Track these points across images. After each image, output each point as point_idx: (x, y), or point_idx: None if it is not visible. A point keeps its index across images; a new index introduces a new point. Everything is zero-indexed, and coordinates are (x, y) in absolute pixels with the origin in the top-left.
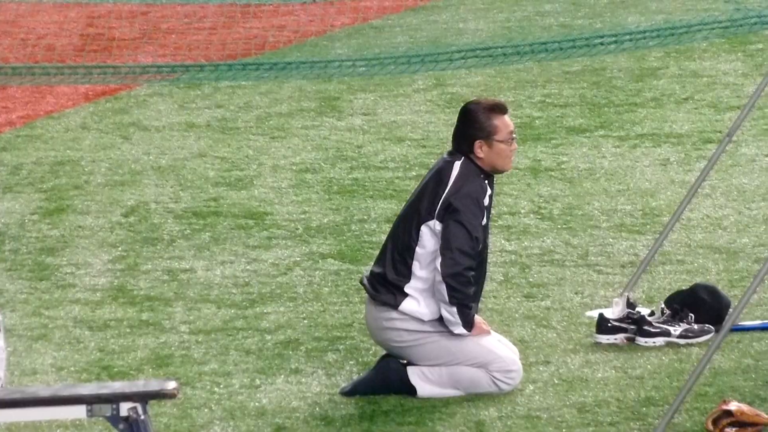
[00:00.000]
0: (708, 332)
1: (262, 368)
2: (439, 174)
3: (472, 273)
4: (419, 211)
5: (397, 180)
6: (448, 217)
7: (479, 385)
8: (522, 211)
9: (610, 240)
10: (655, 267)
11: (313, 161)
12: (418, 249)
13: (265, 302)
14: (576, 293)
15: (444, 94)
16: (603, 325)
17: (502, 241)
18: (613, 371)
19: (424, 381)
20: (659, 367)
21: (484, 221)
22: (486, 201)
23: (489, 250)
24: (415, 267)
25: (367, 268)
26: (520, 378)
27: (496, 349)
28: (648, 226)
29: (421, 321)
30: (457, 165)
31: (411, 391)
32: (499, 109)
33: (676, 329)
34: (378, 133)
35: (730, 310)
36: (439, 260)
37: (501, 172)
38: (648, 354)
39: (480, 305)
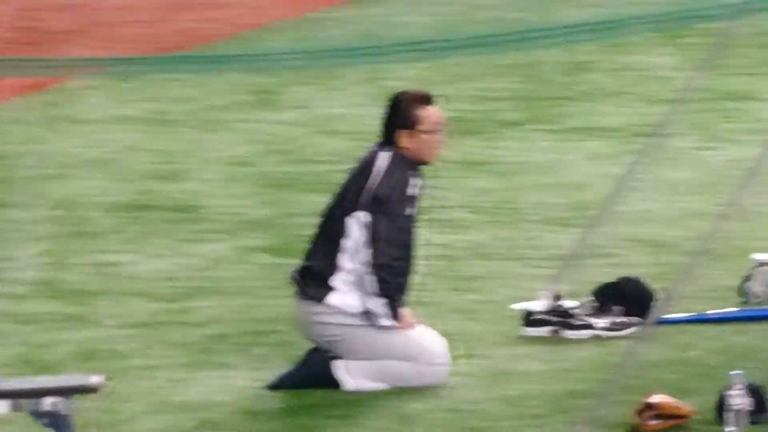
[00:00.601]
0: (634, 325)
1: (189, 362)
2: (366, 165)
3: (400, 264)
4: (347, 203)
5: (330, 173)
6: (376, 209)
7: (406, 379)
8: (452, 204)
9: (539, 233)
10: (582, 260)
11: (247, 154)
12: (345, 241)
13: (194, 296)
14: (504, 286)
15: (378, 88)
16: (530, 318)
17: (431, 234)
18: (540, 364)
19: (350, 375)
20: (585, 360)
21: (411, 212)
22: (413, 191)
23: (417, 243)
24: (343, 259)
25: (298, 263)
26: (446, 371)
27: (423, 342)
28: (577, 220)
29: (349, 314)
30: (384, 155)
31: (337, 384)
32: (425, 99)
33: (603, 322)
34: (312, 126)
35: (656, 302)
36: (366, 252)
37: (427, 163)
38: (574, 347)
39: (407, 298)
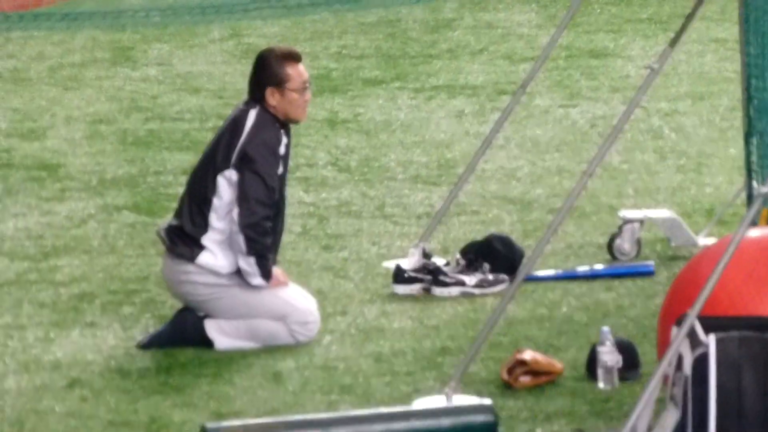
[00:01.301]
0: (502, 282)
1: (57, 321)
2: (235, 123)
3: (270, 223)
4: (215, 161)
5: (193, 131)
6: (244, 167)
7: (277, 337)
8: (319, 162)
9: (407, 191)
10: (450, 218)
11: (108, 112)
12: (215, 200)
13: (60, 255)
14: (373, 244)
15: (240, 45)
16: (399, 276)
17: (300, 193)
18: (410, 321)
19: (221, 334)
20: (454, 317)
21: (281, 170)
22: (282, 150)
23: (287, 202)
24: (213, 218)
25: (163, 221)
26: (317, 329)
27: (293, 301)
28: (443, 178)
29: (219, 274)
30: (253, 113)
31: (208, 344)
32: (293, 57)
33: (472, 279)
34: (173, 83)
35: (524, 260)
36: (236, 211)
37: (295, 121)
38: (443, 304)
39: (278, 257)
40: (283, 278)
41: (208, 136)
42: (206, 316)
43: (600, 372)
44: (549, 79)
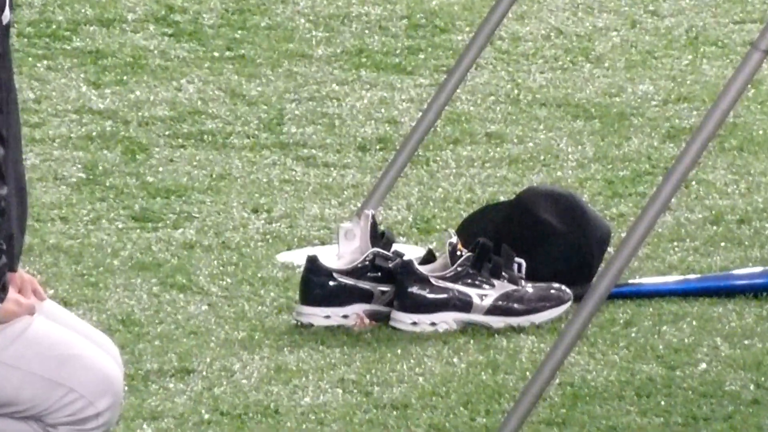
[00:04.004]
0: (559, 300)
1: None
2: None
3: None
4: None
5: None
6: None
7: None
8: None
9: None
10: (428, 157)
11: None
12: None
13: None
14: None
15: None
16: (316, 286)
17: None
18: (339, 393)
19: None
20: (444, 379)
21: None
22: None
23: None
24: None
25: None
26: (113, 420)
27: (69, 363)
28: None
29: None
30: None
31: None
32: None
33: (486, 292)
34: None
35: (609, 250)
36: None
37: None
38: (416, 346)
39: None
40: (30, 301)
41: None
42: None
43: None
44: None
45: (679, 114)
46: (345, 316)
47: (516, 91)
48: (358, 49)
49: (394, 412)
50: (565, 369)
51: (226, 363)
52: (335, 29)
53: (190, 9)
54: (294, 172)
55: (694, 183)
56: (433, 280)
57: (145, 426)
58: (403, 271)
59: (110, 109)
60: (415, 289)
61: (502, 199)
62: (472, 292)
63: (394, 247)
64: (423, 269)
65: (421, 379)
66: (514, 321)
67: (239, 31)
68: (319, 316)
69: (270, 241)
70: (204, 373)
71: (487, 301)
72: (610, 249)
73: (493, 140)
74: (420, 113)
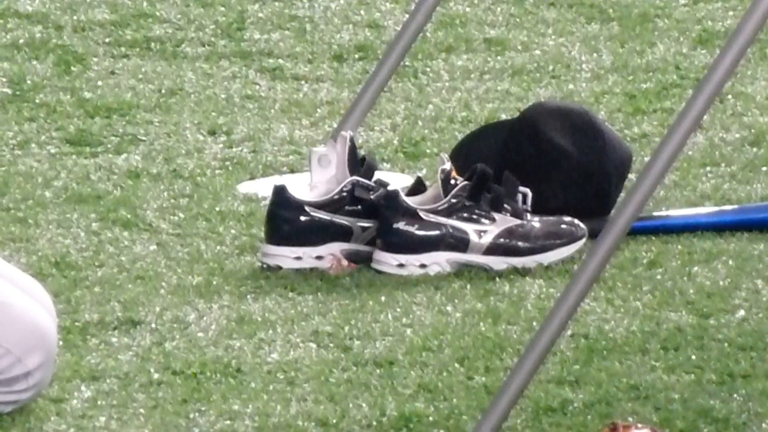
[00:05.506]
0: (572, 237)
1: None
2: None
3: None
4: None
5: None
6: None
7: None
8: None
9: None
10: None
11: None
12: None
13: None
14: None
15: None
16: (286, 223)
17: None
18: (312, 347)
19: None
20: (435, 330)
21: None
22: None
23: None
24: None
25: None
26: (43, 385)
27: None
28: None
29: None
30: None
31: None
32: None
33: (486, 227)
34: None
35: (629, 177)
36: None
37: None
38: (403, 292)
39: None
40: None
41: None
42: None
43: None
44: None
45: (713, 15)
46: (319, 257)
47: None
48: None
49: (378, 370)
50: (578, 318)
51: (179, 313)
52: None
53: None
54: (258, 87)
55: (730, 96)
56: (422, 214)
57: (83, 387)
58: (388, 204)
59: (40, 12)
60: (401, 225)
61: (503, 117)
62: (469, 228)
63: (377, 175)
64: (411, 201)
65: (408, 331)
66: (518, 262)
67: None
68: (288, 257)
69: (230, 168)
70: (153, 325)
71: (487, 239)
72: (631, 175)
73: (494, 47)
74: (407, 15)
